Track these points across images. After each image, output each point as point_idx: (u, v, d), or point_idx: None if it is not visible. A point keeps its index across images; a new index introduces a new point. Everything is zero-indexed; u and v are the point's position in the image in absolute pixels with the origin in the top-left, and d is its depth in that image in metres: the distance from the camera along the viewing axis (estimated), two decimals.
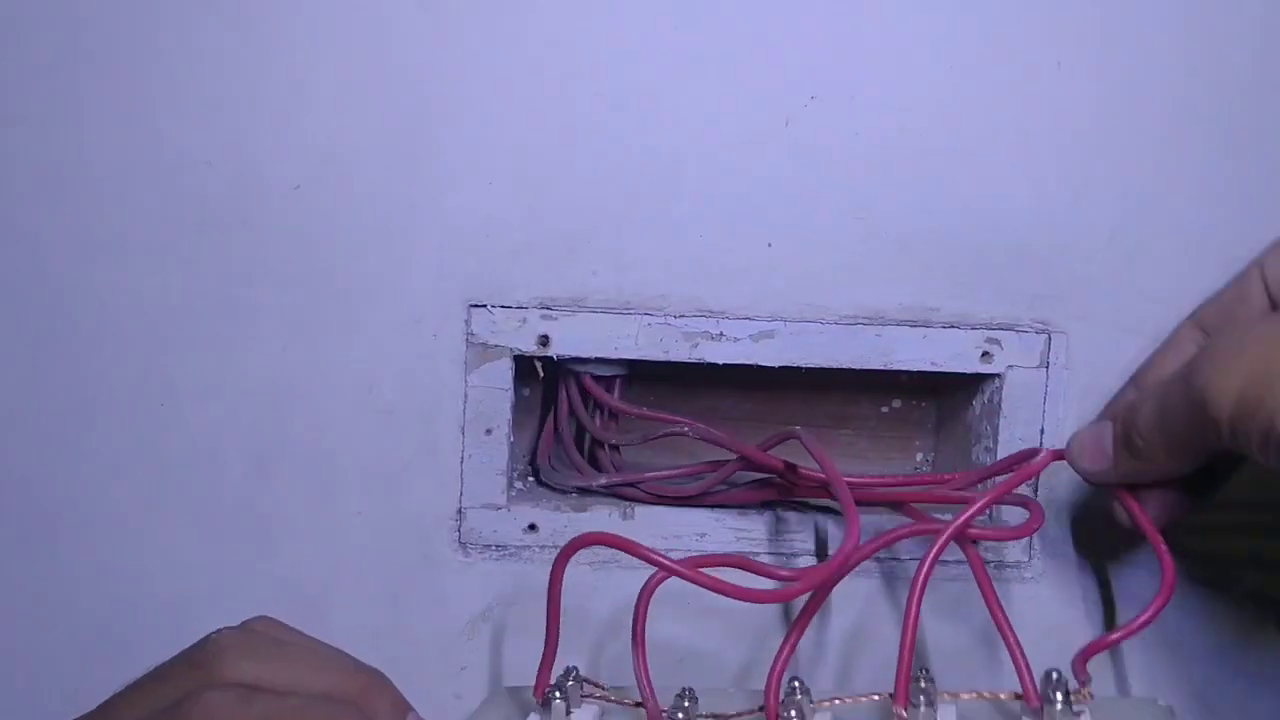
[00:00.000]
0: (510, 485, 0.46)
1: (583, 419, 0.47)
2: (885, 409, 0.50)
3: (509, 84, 0.43)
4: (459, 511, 0.45)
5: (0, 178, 0.43)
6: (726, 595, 0.36)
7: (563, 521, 0.45)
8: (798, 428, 0.44)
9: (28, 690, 0.45)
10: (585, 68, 0.43)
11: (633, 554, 0.36)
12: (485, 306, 0.44)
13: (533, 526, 0.45)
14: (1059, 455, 0.42)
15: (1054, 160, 0.44)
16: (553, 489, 0.47)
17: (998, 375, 0.45)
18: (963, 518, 0.39)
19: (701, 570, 0.36)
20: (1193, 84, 0.44)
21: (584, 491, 0.47)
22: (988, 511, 0.42)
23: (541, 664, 0.39)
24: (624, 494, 0.46)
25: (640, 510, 0.45)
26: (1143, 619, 0.38)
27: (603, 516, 0.45)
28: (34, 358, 0.44)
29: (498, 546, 0.45)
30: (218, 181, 0.43)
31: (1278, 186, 0.44)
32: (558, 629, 0.38)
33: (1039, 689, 0.37)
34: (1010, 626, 0.39)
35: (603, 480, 0.46)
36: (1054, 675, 0.37)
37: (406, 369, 0.44)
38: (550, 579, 0.37)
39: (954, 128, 0.44)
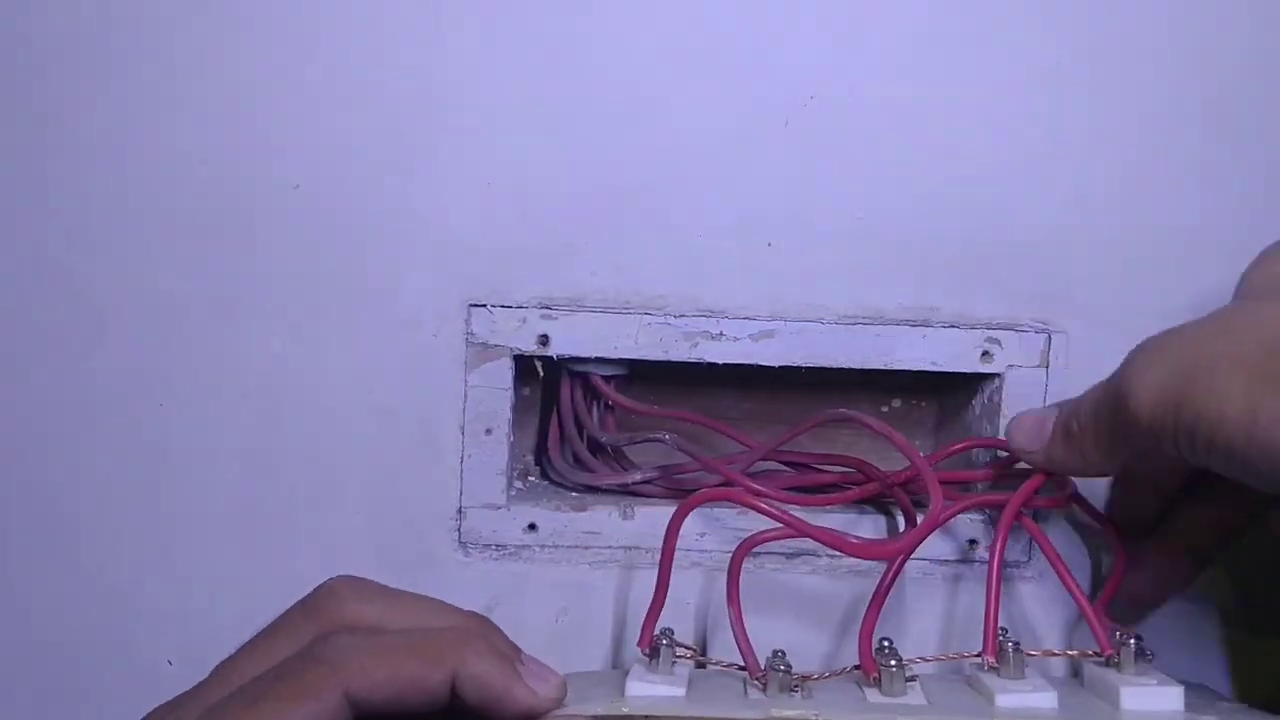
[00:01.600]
0: (510, 485, 0.46)
1: (583, 418, 0.47)
2: (885, 409, 0.50)
3: (508, 84, 0.43)
4: (459, 511, 0.45)
5: (0, 177, 0.43)
6: (843, 550, 0.38)
7: (563, 521, 0.45)
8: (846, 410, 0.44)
9: (27, 690, 0.45)
10: (585, 68, 0.43)
11: (754, 508, 0.39)
12: (485, 306, 0.44)
13: (532, 526, 0.45)
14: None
15: (1054, 160, 0.44)
16: (561, 485, 0.47)
17: (998, 375, 0.45)
18: (1027, 487, 0.41)
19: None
20: (1192, 84, 0.44)
21: (592, 489, 0.47)
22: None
23: (648, 615, 0.40)
24: (642, 491, 0.46)
25: (641, 511, 0.45)
26: (1105, 593, 0.41)
27: (603, 516, 0.45)
28: (33, 358, 0.44)
29: (498, 546, 0.45)
30: (218, 181, 0.43)
31: (1277, 186, 0.44)
32: (668, 580, 0.40)
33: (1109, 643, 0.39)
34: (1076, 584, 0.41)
35: (636, 476, 0.46)
36: (1119, 634, 0.39)
37: (406, 369, 0.44)
38: (667, 530, 0.40)
39: (954, 128, 0.44)
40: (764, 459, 0.46)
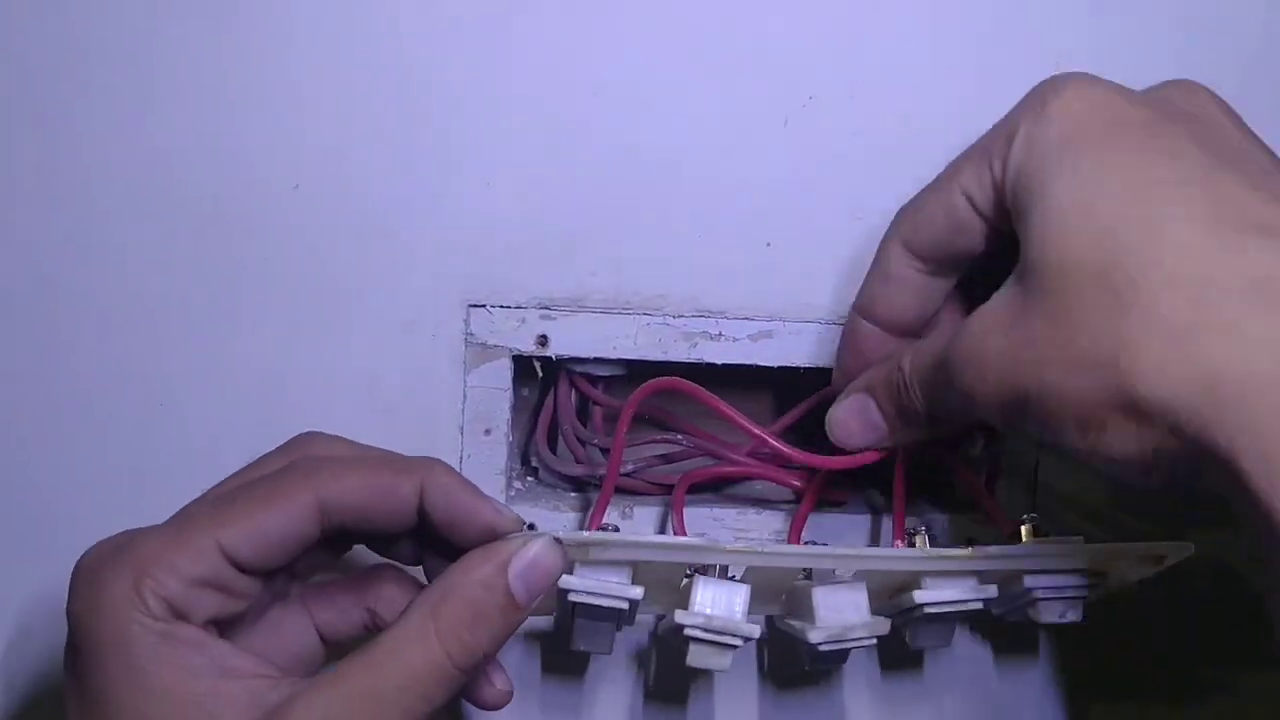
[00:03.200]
0: (510, 485, 0.46)
1: (566, 416, 0.47)
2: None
3: (508, 84, 0.43)
4: None
5: (0, 177, 0.43)
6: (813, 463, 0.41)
7: (562, 521, 0.45)
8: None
9: (27, 691, 0.45)
10: (584, 68, 0.43)
11: (710, 405, 0.40)
12: (484, 306, 0.44)
13: (532, 526, 0.45)
14: None
15: None
16: (550, 478, 0.47)
17: None
18: None
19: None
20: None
21: (583, 482, 0.47)
22: None
23: (595, 510, 0.42)
24: (628, 486, 0.46)
25: (640, 510, 0.45)
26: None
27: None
28: (33, 358, 0.44)
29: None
30: (218, 181, 0.43)
31: None
32: (617, 472, 0.42)
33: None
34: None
35: (628, 467, 0.46)
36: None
37: (406, 369, 0.44)
38: (621, 415, 0.41)
39: (953, 127, 0.44)
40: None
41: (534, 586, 0.35)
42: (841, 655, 0.40)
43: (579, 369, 0.46)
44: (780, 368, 0.44)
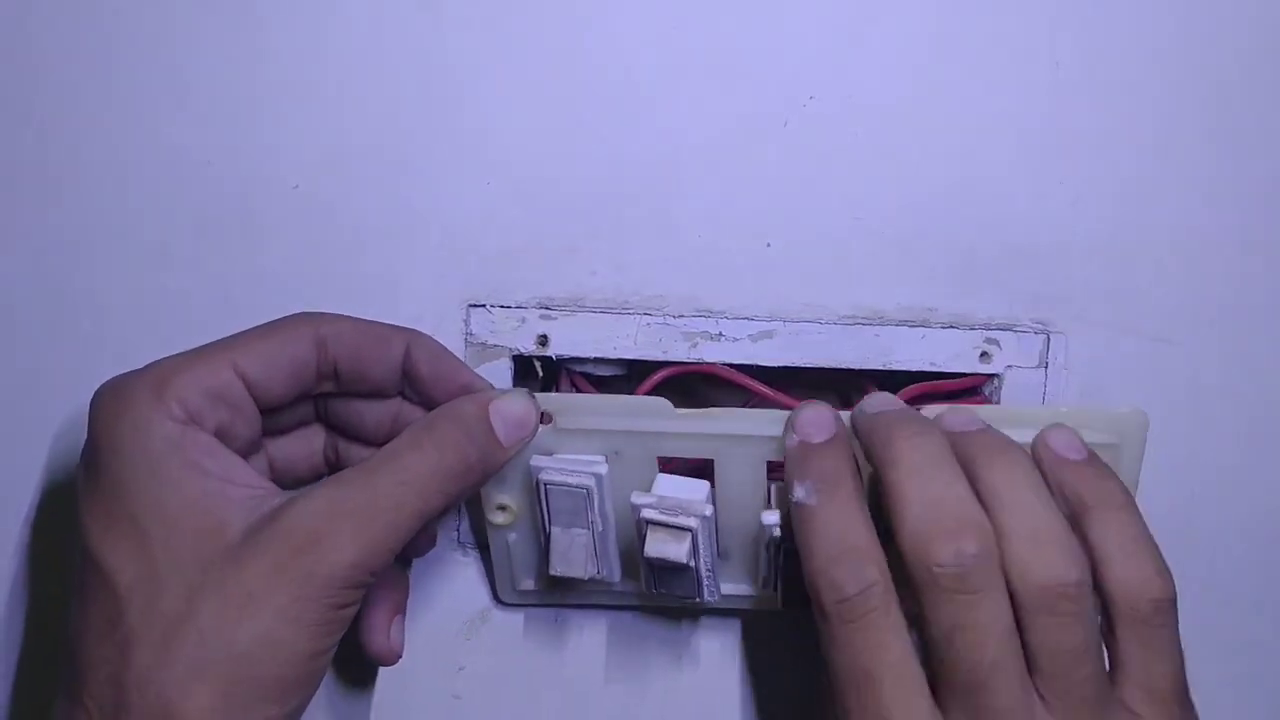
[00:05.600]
0: None
1: None
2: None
3: (508, 84, 0.43)
4: (459, 511, 0.45)
5: (0, 177, 0.43)
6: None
7: None
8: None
9: (26, 693, 0.45)
10: (584, 67, 0.43)
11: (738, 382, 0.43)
12: (484, 306, 0.44)
13: None
14: None
15: (1054, 160, 0.44)
16: None
17: (996, 375, 0.45)
18: None
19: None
20: (1192, 84, 0.44)
21: None
22: None
23: None
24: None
25: None
26: None
27: None
28: (33, 358, 0.44)
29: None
30: (218, 181, 0.43)
31: (1277, 187, 0.44)
32: None
33: None
34: None
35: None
36: None
37: None
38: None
39: (953, 128, 0.44)
40: None
41: (510, 429, 0.39)
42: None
43: (579, 369, 0.46)
44: (780, 368, 0.44)
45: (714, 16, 0.43)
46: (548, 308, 0.44)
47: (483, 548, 0.45)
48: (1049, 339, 0.44)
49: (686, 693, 0.47)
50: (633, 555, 0.42)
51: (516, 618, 0.46)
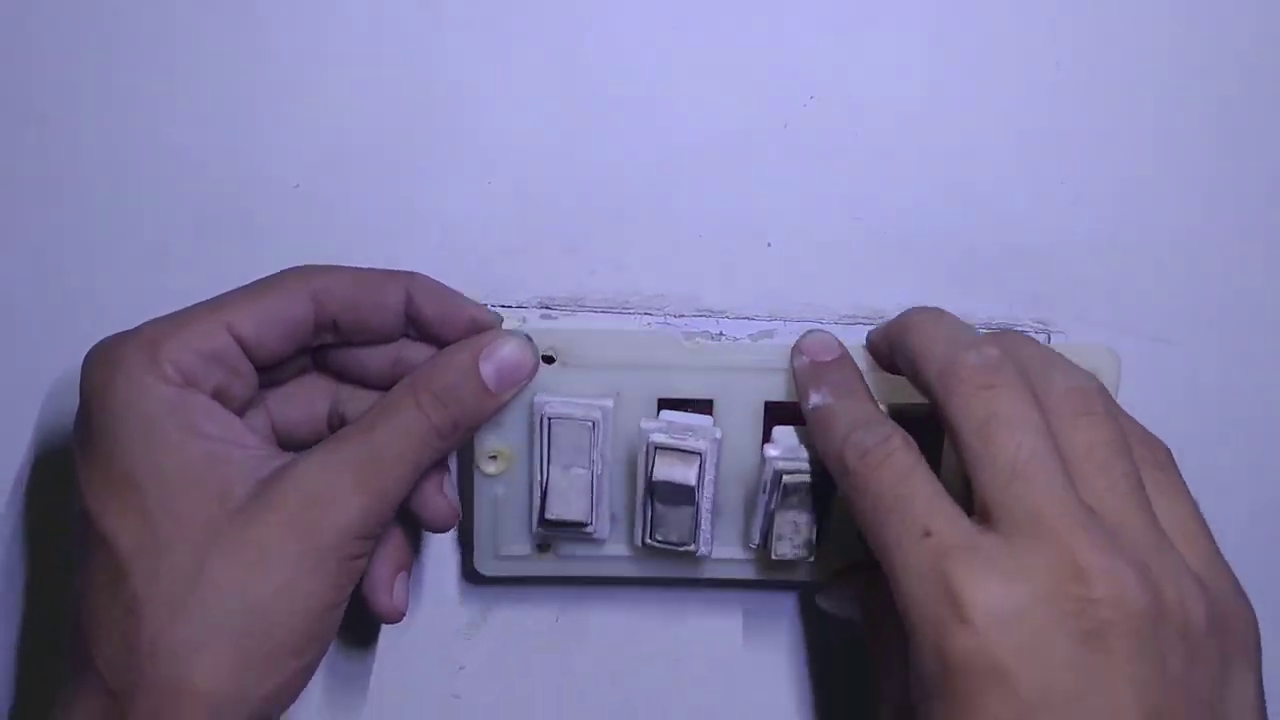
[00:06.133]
0: None
1: None
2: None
3: (508, 83, 0.43)
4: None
5: (0, 177, 0.43)
6: None
7: None
8: None
9: (26, 696, 0.45)
10: (584, 67, 0.43)
11: None
12: (484, 306, 0.44)
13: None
14: None
15: (1054, 160, 0.44)
16: None
17: None
18: None
19: None
20: (1192, 84, 0.44)
21: None
22: None
23: None
24: None
25: None
26: None
27: None
28: (33, 358, 0.44)
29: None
30: (218, 181, 0.43)
31: (1277, 186, 0.44)
32: None
33: None
34: None
35: None
36: None
37: None
38: None
39: (953, 128, 0.44)
40: None
41: (503, 376, 0.40)
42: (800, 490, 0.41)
43: None
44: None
45: (714, 16, 0.43)
46: (548, 307, 0.44)
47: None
48: (1049, 339, 0.44)
49: (686, 691, 0.47)
50: (628, 509, 0.43)
51: (517, 616, 0.46)
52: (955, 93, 0.43)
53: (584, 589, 0.46)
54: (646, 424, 0.41)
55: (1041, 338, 0.44)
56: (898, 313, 0.44)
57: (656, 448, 0.41)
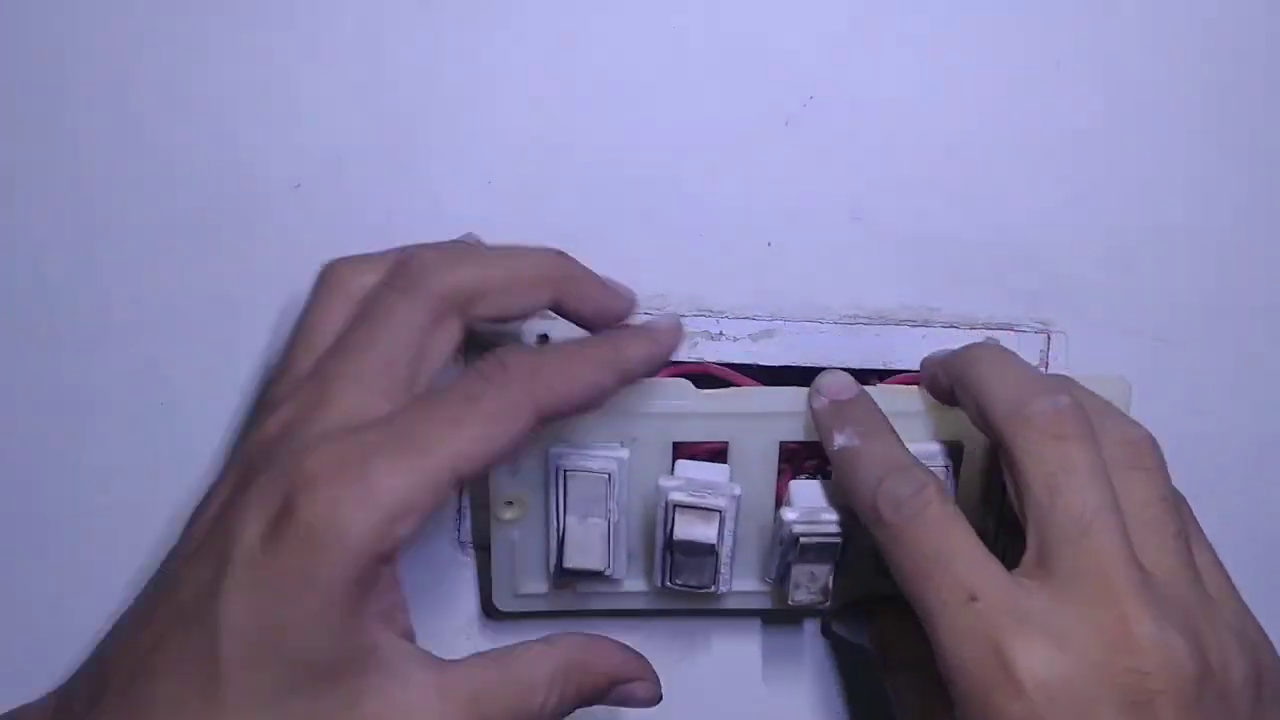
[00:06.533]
0: None
1: None
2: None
3: (508, 83, 0.43)
4: (459, 511, 0.45)
5: (0, 178, 0.43)
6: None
7: None
8: None
9: (23, 691, 0.45)
10: (584, 67, 0.43)
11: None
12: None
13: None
14: None
15: (1054, 160, 0.44)
16: None
17: None
18: None
19: None
20: (1192, 84, 0.44)
21: None
22: None
23: None
24: None
25: None
26: None
27: None
28: (33, 358, 0.44)
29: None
30: (218, 181, 0.43)
31: (1276, 187, 0.44)
32: None
33: None
34: None
35: None
36: None
37: None
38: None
39: (954, 128, 0.44)
40: None
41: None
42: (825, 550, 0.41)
43: None
44: (781, 367, 0.44)
45: (714, 16, 0.43)
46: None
47: (480, 548, 0.45)
48: (1049, 338, 0.44)
49: (695, 695, 0.47)
50: (645, 549, 0.43)
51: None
52: (955, 93, 0.43)
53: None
54: (665, 482, 0.41)
55: (1041, 338, 0.44)
56: (899, 312, 0.44)
57: (676, 506, 0.40)
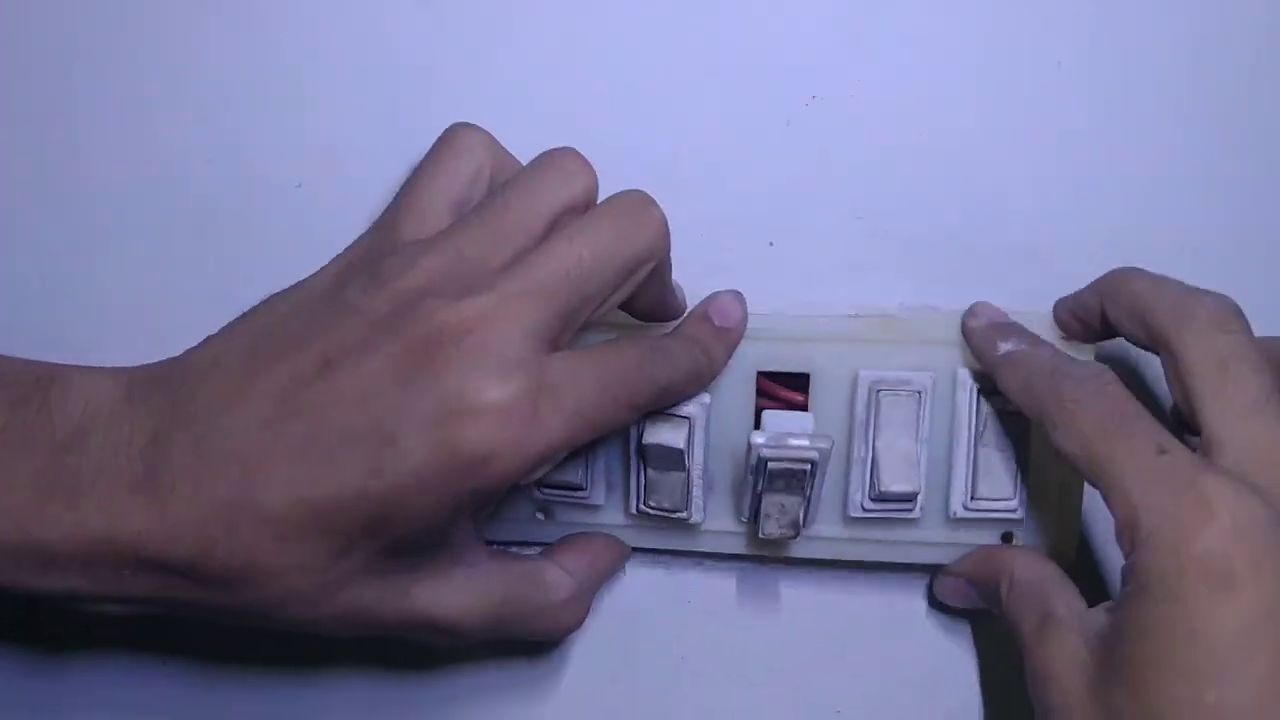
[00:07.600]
0: None
1: None
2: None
3: (509, 83, 0.43)
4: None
5: (0, 178, 0.43)
6: None
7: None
8: None
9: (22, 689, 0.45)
10: (585, 67, 0.43)
11: None
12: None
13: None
14: None
15: (1054, 160, 0.44)
16: None
17: None
18: None
19: None
20: (1192, 84, 0.44)
21: None
22: None
23: None
24: None
25: None
26: None
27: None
28: (33, 358, 0.44)
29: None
30: (218, 181, 0.43)
31: (1277, 187, 0.44)
32: None
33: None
34: None
35: None
36: None
37: None
38: None
39: (954, 127, 0.44)
40: None
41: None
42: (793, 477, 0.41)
43: None
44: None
45: (715, 16, 0.43)
46: None
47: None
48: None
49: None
50: (625, 477, 0.43)
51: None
52: (956, 92, 0.43)
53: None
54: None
55: None
56: (899, 311, 0.44)
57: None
